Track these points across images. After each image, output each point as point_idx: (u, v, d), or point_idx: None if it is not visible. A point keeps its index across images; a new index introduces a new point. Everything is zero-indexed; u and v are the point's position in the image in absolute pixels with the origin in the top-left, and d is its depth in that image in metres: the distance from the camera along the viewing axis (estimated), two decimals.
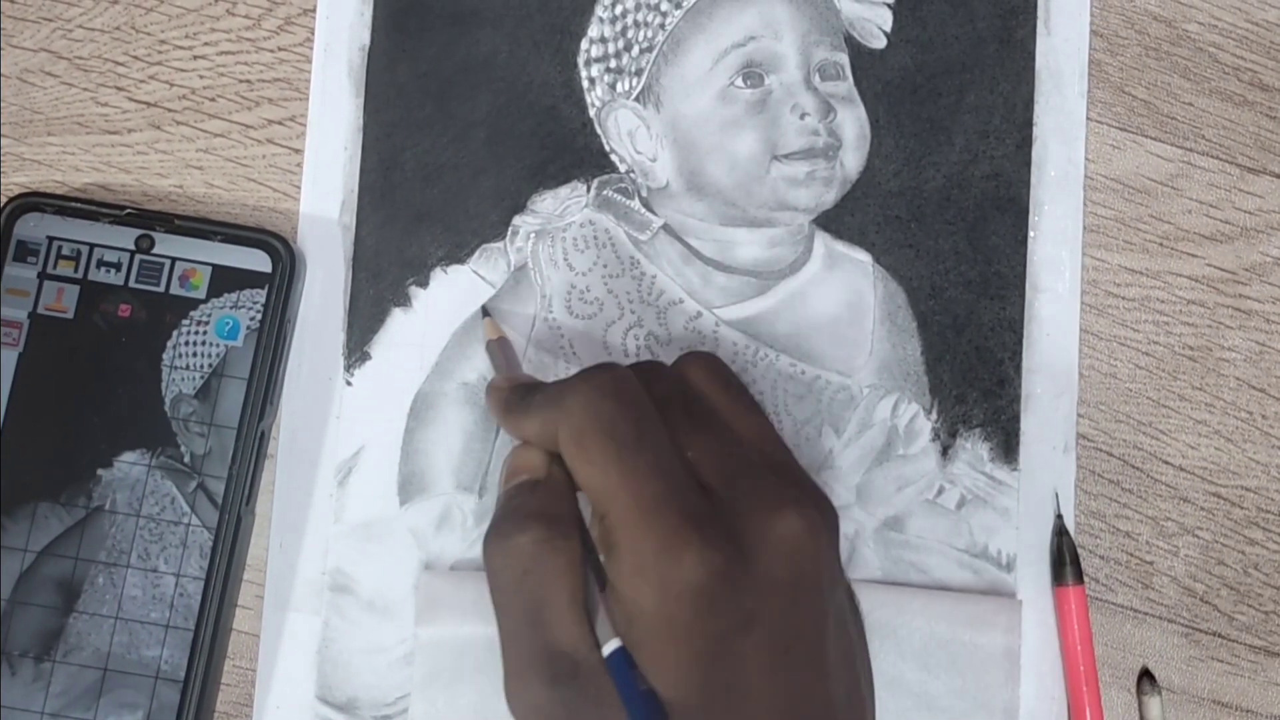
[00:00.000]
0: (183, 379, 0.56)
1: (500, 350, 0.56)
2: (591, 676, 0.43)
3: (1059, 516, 0.57)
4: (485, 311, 0.58)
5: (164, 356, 0.56)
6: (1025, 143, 0.59)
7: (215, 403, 0.56)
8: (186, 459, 0.56)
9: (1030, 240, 0.58)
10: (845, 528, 0.57)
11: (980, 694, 0.55)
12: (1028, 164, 0.59)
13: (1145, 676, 0.56)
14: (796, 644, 0.43)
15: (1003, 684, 0.55)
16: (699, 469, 0.45)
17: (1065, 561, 0.56)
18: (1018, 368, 0.58)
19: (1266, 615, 0.57)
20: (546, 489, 0.46)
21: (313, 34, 0.60)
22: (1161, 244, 0.59)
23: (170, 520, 0.55)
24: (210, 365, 0.56)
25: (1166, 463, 0.58)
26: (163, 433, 0.56)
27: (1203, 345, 0.58)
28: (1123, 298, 0.58)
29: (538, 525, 0.45)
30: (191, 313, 0.56)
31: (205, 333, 0.56)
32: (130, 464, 0.56)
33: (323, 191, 0.59)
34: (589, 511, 0.46)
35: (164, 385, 0.56)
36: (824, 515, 0.45)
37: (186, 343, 0.56)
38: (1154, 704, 0.56)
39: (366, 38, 0.60)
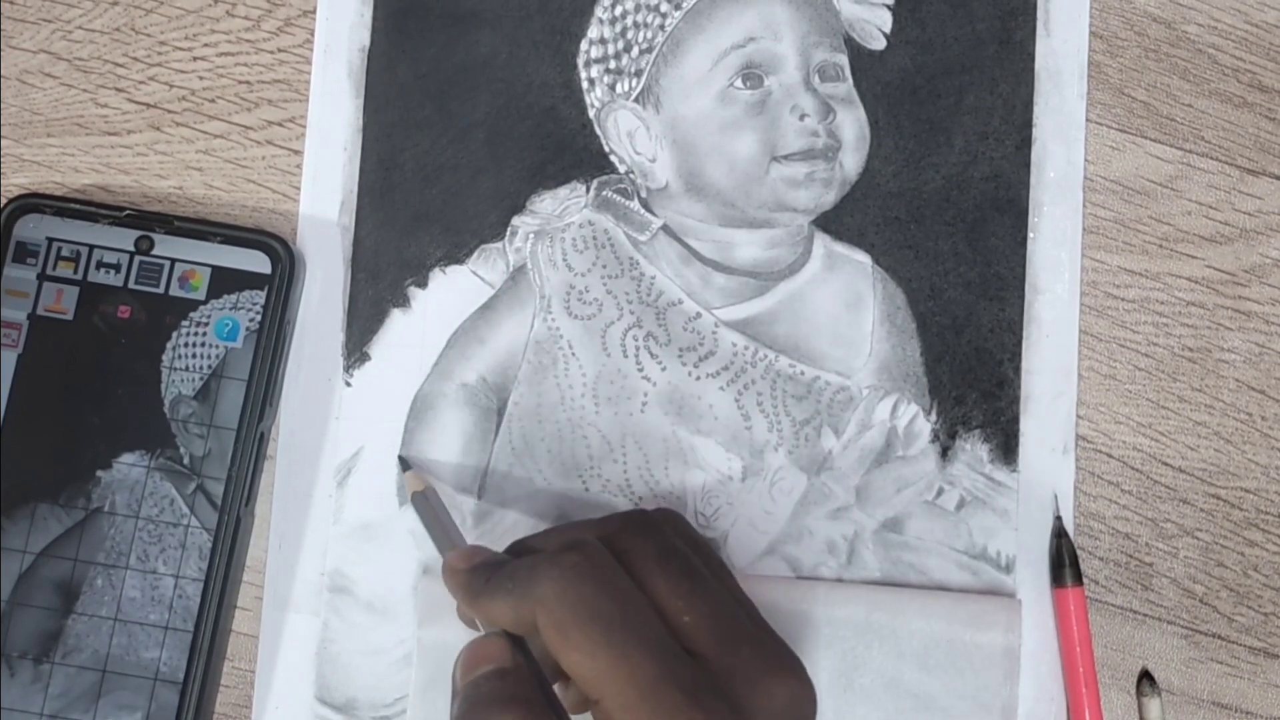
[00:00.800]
0: (182, 380, 0.56)
1: (427, 504, 0.54)
2: None
3: (1058, 518, 0.57)
4: (404, 463, 0.57)
5: (163, 358, 0.56)
6: (1024, 144, 0.59)
7: (215, 404, 0.56)
8: (186, 460, 0.56)
9: (1029, 241, 0.58)
10: (844, 529, 0.57)
11: (979, 694, 0.55)
12: (1027, 165, 0.59)
13: (1145, 678, 0.56)
14: None
15: (1002, 683, 0.55)
16: (696, 634, 0.44)
17: (1064, 563, 0.56)
18: (1017, 369, 0.58)
19: (1266, 617, 0.57)
20: (517, 677, 0.44)
21: (312, 35, 0.60)
22: (1161, 245, 0.59)
23: (169, 522, 0.55)
24: (210, 367, 0.56)
25: (1166, 464, 0.58)
26: (162, 434, 0.56)
27: (1202, 347, 0.58)
28: (1122, 299, 0.58)
29: (519, 712, 0.43)
30: (191, 314, 0.56)
31: (205, 334, 0.56)
32: (130, 465, 0.56)
33: (322, 192, 0.59)
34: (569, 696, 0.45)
35: (164, 387, 0.56)
36: (809, 683, 0.45)
37: (186, 344, 0.56)
38: (1154, 705, 0.56)
39: (366, 38, 0.60)
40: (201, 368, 0.56)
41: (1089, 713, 0.55)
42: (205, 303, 0.56)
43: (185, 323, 0.56)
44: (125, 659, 0.55)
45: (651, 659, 0.42)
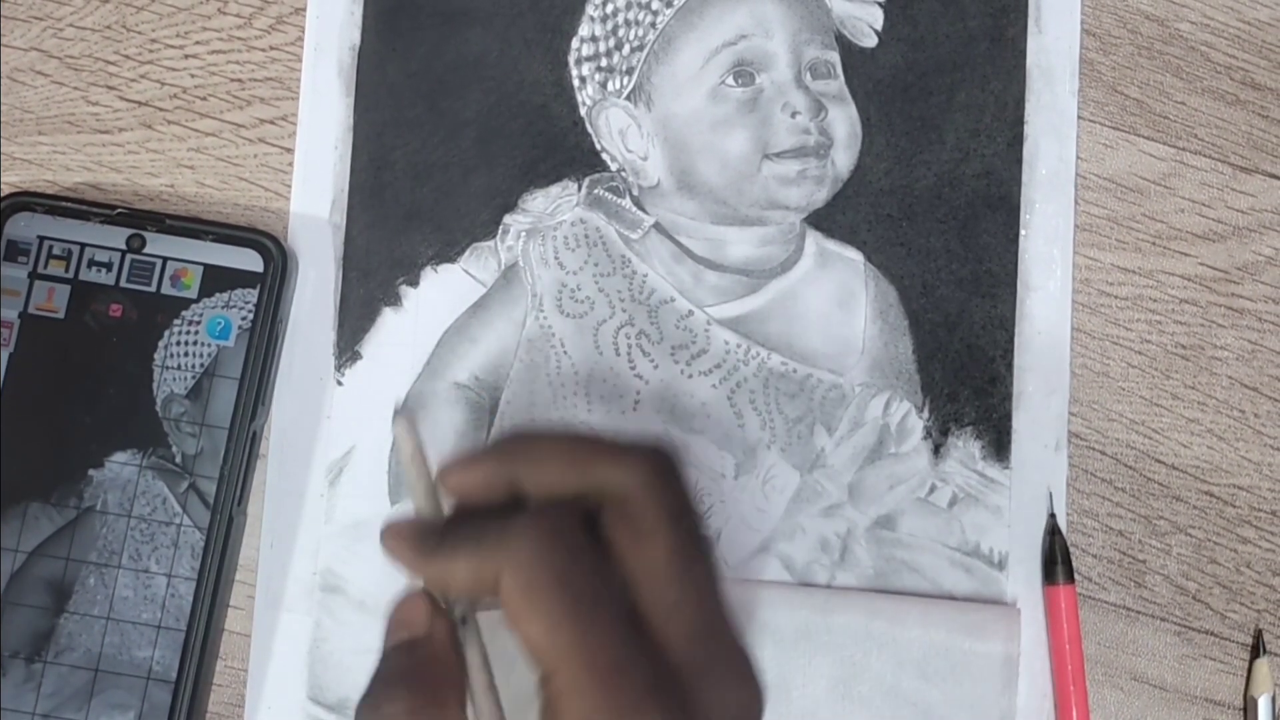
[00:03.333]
0: (174, 379, 0.56)
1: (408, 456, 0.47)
2: None
3: (1051, 515, 0.57)
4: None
5: (155, 356, 0.56)
6: (1016, 141, 0.59)
7: (207, 403, 0.56)
8: (178, 459, 0.56)
9: (1021, 238, 0.58)
10: (837, 526, 0.57)
11: (978, 703, 0.55)
12: (1019, 162, 0.59)
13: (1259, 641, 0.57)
14: None
15: (1000, 692, 0.55)
16: (669, 617, 0.40)
17: (1057, 560, 0.56)
18: (1009, 366, 0.58)
19: (1259, 614, 0.57)
20: (425, 650, 0.41)
21: (304, 33, 0.60)
22: (1154, 243, 0.59)
23: (162, 521, 0.55)
24: (202, 365, 0.56)
25: (1159, 461, 0.58)
26: (154, 433, 0.56)
27: (1195, 344, 0.58)
28: (1115, 296, 0.58)
29: (409, 694, 0.40)
30: (183, 312, 0.56)
31: (197, 333, 0.56)
32: (121, 464, 0.56)
33: (313, 191, 0.59)
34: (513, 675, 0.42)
35: (155, 385, 0.56)
36: (762, 694, 0.42)
37: (178, 343, 0.56)
38: (1262, 666, 0.56)
39: (357, 37, 0.60)
40: (194, 366, 0.56)
41: (1076, 711, 0.55)
42: (197, 301, 0.56)
43: (177, 321, 0.56)
44: (118, 658, 0.55)
45: (614, 645, 0.39)
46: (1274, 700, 0.56)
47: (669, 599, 0.40)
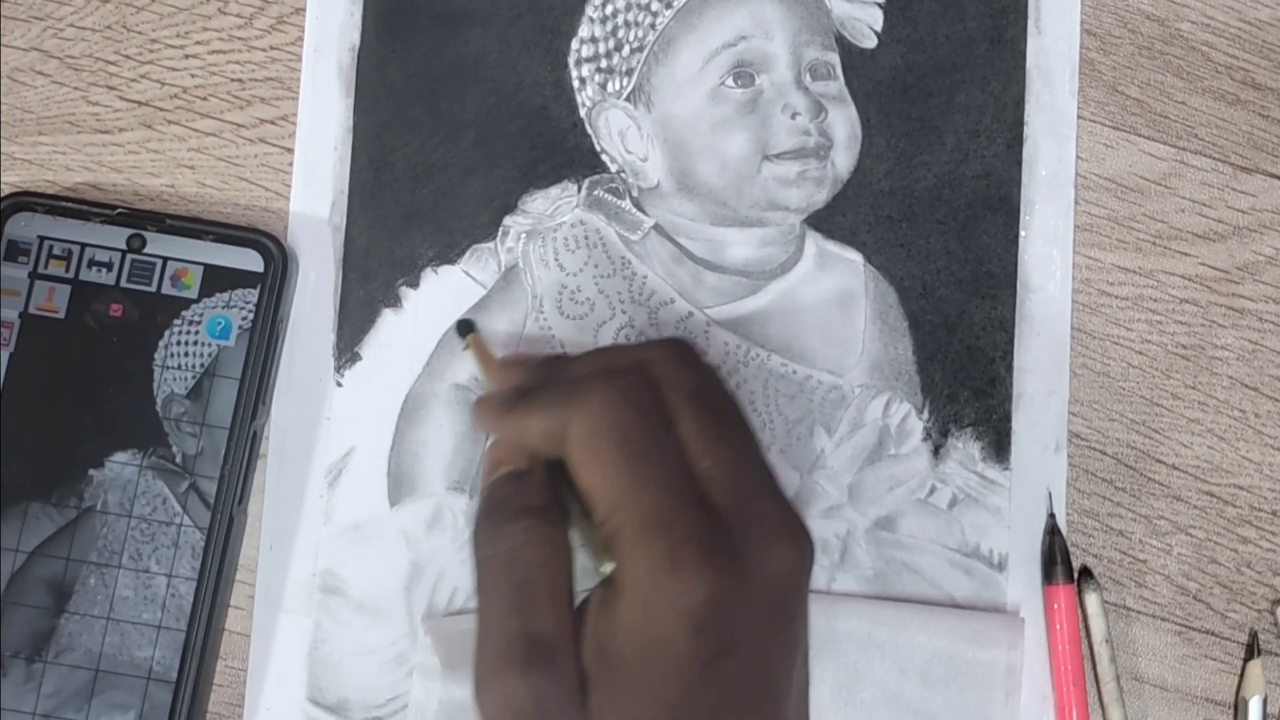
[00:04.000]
0: (174, 379, 0.56)
1: (481, 347, 0.55)
2: (566, 666, 0.43)
3: (1051, 515, 0.57)
4: (465, 327, 0.57)
5: (155, 356, 0.56)
6: (1016, 142, 0.59)
7: (207, 403, 0.56)
8: (178, 459, 0.56)
9: (1021, 239, 0.58)
10: (837, 527, 0.57)
11: (980, 710, 0.55)
12: (1018, 163, 0.58)
13: (1085, 573, 0.57)
14: (772, 674, 0.43)
15: (1004, 701, 0.55)
16: (712, 480, 0.44)
17: (1056, 560, 0.56)
18: (1009, 367, 0.58)
19: (1259, 614, 0.57)
20: (532, 480, 0.46)
21: (304, 33, 0.60)
22: (1154, 243, 0.59)
23: (162, 521, 0.55)
24: (202, 365, 0.56)
25: (1160, 461, 0.58)
26: (154, 433, 0.56)
27: (1196, 344, 0.58)
28: (1116, 296, 0.58)
29: (527, 515, 0.44)
30: (183, 312, 0.56)
31: (197, 332, 0.56)
32: (122, 464, 0.56)
33: (313, 191, 0.59)
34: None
35: (156, 385, 0.56)
36: (811, 549, 0.45)
37: (178, 342, 0.56)
38: (1093, 599, 0.56)
39: (356, 38, 0.60)
40: (194, 366, 0.56)
41: (1076, 711, 0.55)
42: (197, 301, 0.56)
43: (177, 321, 0.56)
44: (118, 658, 0.55)
45: (666, 493, 0.42)
46: (1265, 702, 0.56)
47: (704, 467, 0.43)
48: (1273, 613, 0.57)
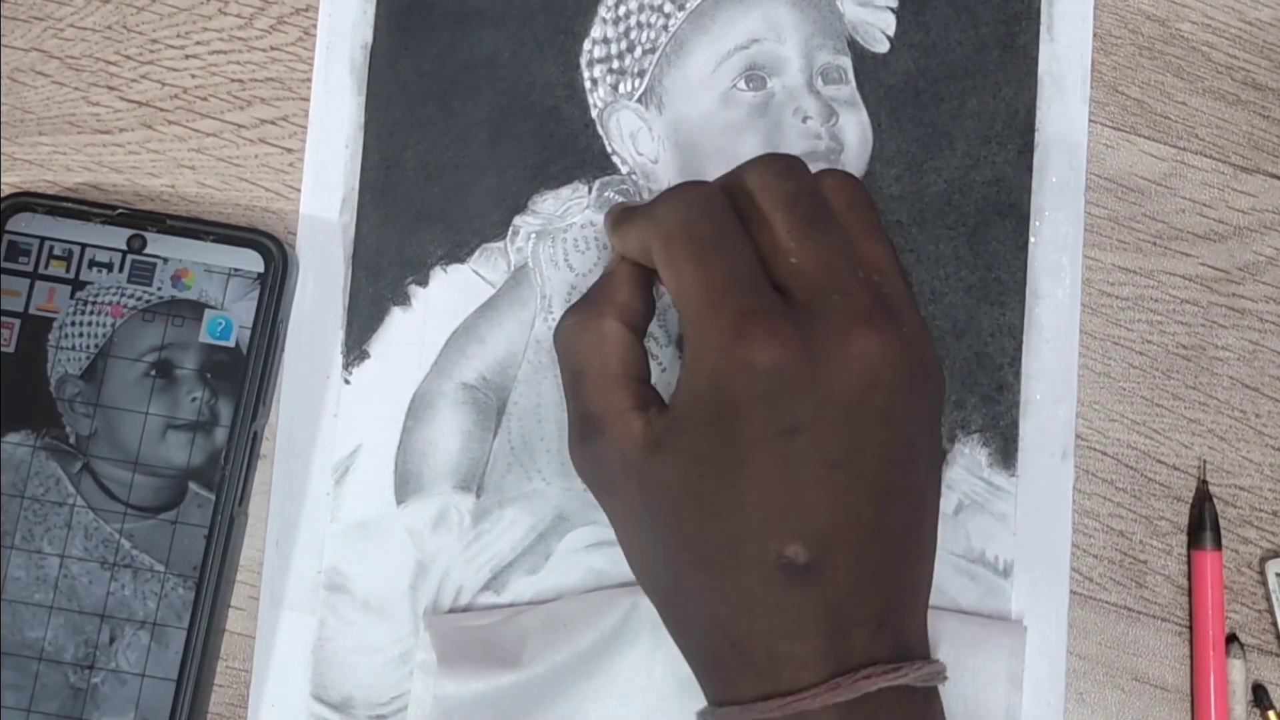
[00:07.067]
0: (68, 360, 0.55)
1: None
2: (618, 437, 0.47)
3: (1203, 482, 0.58)
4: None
5: (50, 337, 0.56)
6: (1027, 149, 0.59)
7: (101, 383, 0.55)
8: (72, 440, 0.55)
9: (1031, 246, 0.58)
10: None
11: (981, 718, 0.55)
12: (1029, 170, 0.59)
13: (1234, 640, 0.57)
14: (846, 464, 0.43)
15: (1004, 710, 0.55)
16: (795, 275, 0.45)
17: (1205, 527, 0.57)
18: (1017, 374, 0.58)
19: (1260, 614, 0.58)
20: (605, 278, 0.50)
21: (306, 33, 0.59)
22: (1155, 243, 0.59)
23: (54, 501, 0.55)
24: (96, 345, 0.55)
25: (1160, 462, 0.58)
26: (48, 414, 0.55)
27: (1196, 344, 0.59)
28: (1117, 297, 0.59)
29: (580, 308, 0.49)
30: (78, 294, 0.56)
31: (92, 314, 0.55)
32: (15, 445, 0.55)
33: (323, 189, 0.58)
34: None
35: (50, 366, 0.56)
36: (914, 351, 0.45)
37: (72, 324, 0.56)
38: (1238, 666, 0.57)
39: (369, 35, 0.59)
40: (88, 347, 0.55)
41: (1214, 676, 0.56)
42: (91, 283, 0.56)
43: (72, 302, 0.56)
44: (10, 639, 0.54)
45: (730, 277, 0.44)
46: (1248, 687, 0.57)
47: (790, 264, 0.45)
48: (1261, 569, 0.58)
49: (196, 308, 0.56)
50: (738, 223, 0.46)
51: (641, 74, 0.59)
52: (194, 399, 0.56)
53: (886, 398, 0.44)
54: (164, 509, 0.55)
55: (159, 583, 0.55)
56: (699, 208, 0.46)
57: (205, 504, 0.55)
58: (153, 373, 0.56)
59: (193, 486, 0.55)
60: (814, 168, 0.57)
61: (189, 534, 0.55)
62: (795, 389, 0.43)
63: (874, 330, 0.44)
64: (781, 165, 0.48)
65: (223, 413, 0.56)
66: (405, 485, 0.57)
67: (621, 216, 0.50)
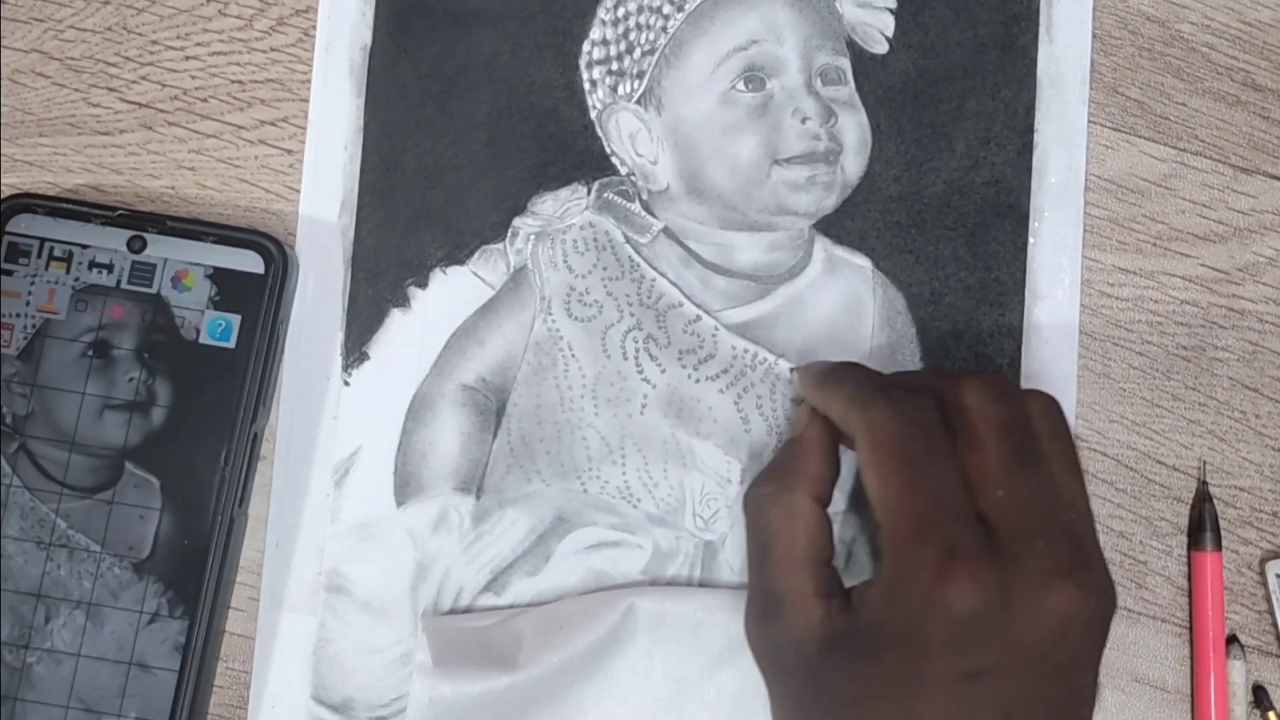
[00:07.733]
0: (5, 339, 0.55)
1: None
2: (797, 621, 0.47)
3: (1203, 483, 0.58)
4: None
5: None
6: (1026, 149, 0.59)
7: (39, 364, 0.55)
8: (8, 420, 0.55)
9: (1030, 247, 0.58)
10: (843, 533, 0.57)
11: None
12: (1028, 170, 0.59)
13: (1234, 641, 0.57)
14: (1016, 714, 0.44)
15: None
16: (1000, 510, 0.45)
17: (1206, 528, 0.57)
18: (1016, 374, 0.58)
19: (1260, 615, 0.57)
20: (795, 446, 0.51)
21: (305, 34, 0.59)
22: (1155, 244, 0.59)
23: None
24: (34, 326, 0.55)
25: (1160, 462, 0.58)
26: None
27: (1196, 345, 0.59)
28: (1117, 298, 0.59)
29: (771, 480, 0.50)
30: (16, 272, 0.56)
31: (30, 295, 0.55)
32: None
33: (322, 191, 0.58)
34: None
35: None
36: (1102, 603, 0.46)
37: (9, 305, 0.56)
38: (1238, 667, 0.57)
39: (368, 37, 0.59)
40: (25, 328, 0.55)
41: (1214, 676, 0.56)
42: (47, 269, 0.56)
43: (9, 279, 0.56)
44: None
45: (940, 505, 0.45)
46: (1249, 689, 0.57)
47: (997, 496, 0.45)
48: (1261, 569, 0.58)
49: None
50: (949, 445, 0.46)
51: (640, 75, 0.59)
52: (131, 379, 0.55)
53: (1069, 652, 0.45)
54: (100, 489, 0.55)
55: (95, 563, 0.55)
56: (913, 421, 0.46)
57: (142, 484, 0.55)
58: (90, 353, 0.56)
59: (129, 466, 0.55)
60: (814, 169, 0.58)
61: (125, 514, 0.55)
62: (985, 635, 0.43)
63: (1072, 586, 0.44)
64: (999, 390, 0.48)
65: (160, 393, 0.55)
66: (405, 487, 0.57)
67: (827, 379, 0.51)
